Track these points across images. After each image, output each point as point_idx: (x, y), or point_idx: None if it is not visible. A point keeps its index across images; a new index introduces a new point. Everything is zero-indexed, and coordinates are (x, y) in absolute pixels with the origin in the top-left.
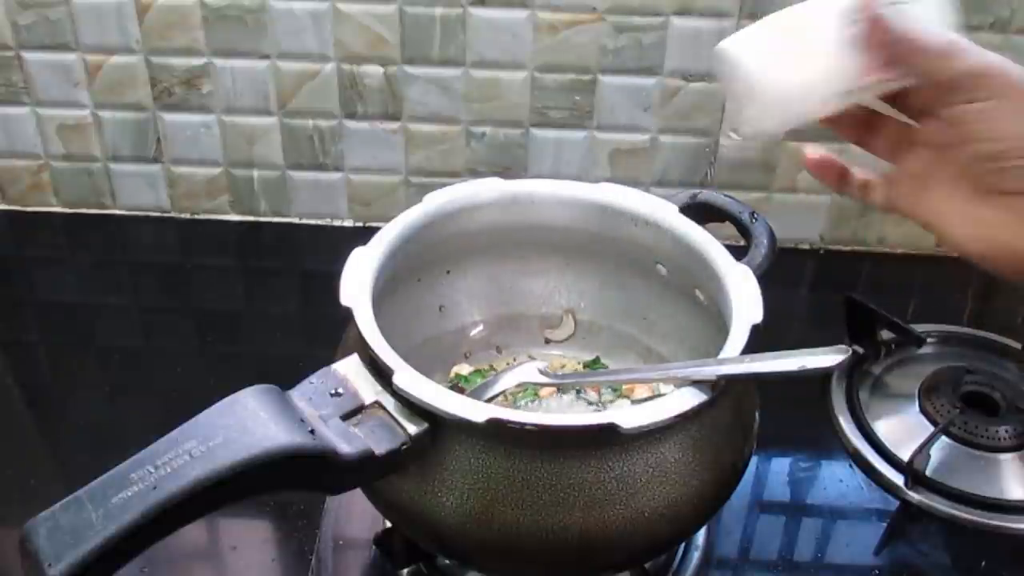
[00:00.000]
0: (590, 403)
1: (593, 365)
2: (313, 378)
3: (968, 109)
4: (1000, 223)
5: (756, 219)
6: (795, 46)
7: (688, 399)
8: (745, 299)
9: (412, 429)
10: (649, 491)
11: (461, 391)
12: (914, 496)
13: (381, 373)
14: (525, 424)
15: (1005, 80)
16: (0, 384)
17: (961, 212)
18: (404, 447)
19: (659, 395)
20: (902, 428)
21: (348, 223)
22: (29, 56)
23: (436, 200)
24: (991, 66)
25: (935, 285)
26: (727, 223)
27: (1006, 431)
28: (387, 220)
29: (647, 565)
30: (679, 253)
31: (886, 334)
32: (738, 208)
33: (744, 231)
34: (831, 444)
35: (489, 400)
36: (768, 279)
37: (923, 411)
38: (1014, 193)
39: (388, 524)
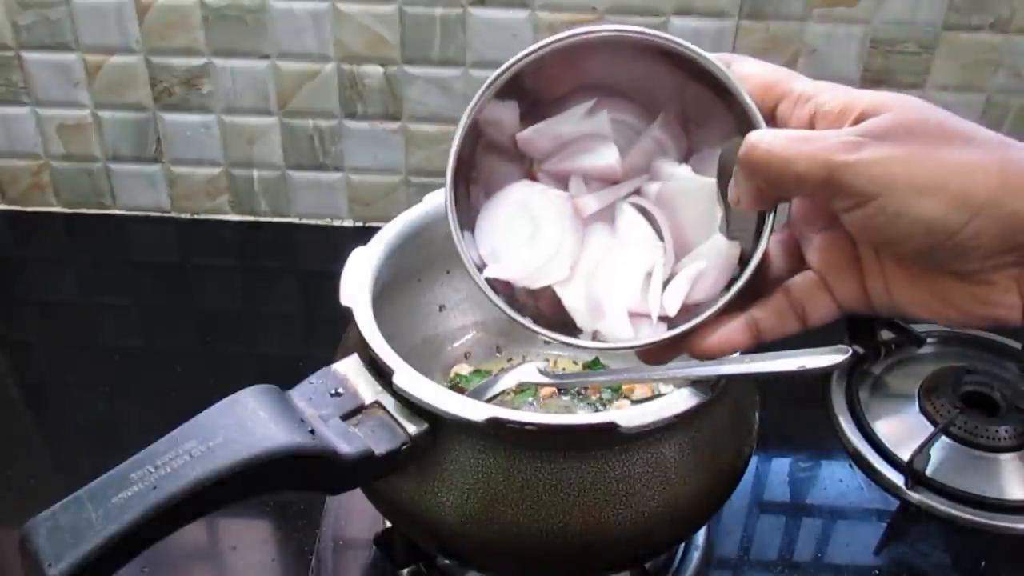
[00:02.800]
0: (590, 403)
1: (593, 365)
2: (313, 378)
3: (856, 217)
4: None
5: None
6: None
7: (688, 399)
8: None
9: (412, 429)
10: (649, 491)
11: (461, 391)
12: (914, 496)
13: (381, 373)
14: (525, 424)
15: (879, 170)
16: (0, 384)
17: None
18: (404, 447)
19: (659, 395)
20: (902, 428)
21: (348, 223)
22: (29, 56)
23: (436, 200)
24: (849, 163)
25: None
26: None
27: (1006, 431)
28: (387, 220)
29: (647, 565)
30: None
31: (886, 334)
32: None
33: None
34: (831, 444)
35: (489, 400)
36: None
37: (923, 411)
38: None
39: (388, 524)
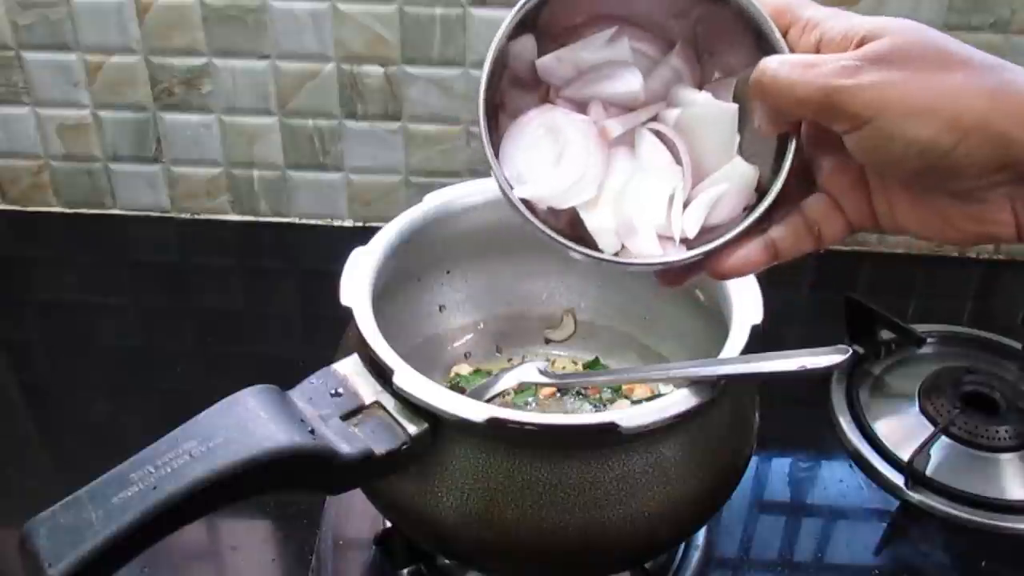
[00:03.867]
0: (590, 403)
1: (593, 365)
2: (313, 378)
3: (854, 140)
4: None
5: None
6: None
7: (688, 399)
8: (745, 299)
9: (412, 429)
10: (649, 491)
11: (461, 391)
12: (914, 496)
13: (381, 373)
14: (525, 424)
15: (873, 94)
16: (0, 384)
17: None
18: (404, 447)
19: (659, 395)
20: (902, 428)
21: (348, 223)
22: (29, 56)
23: (436, 200)
24: (844, 87)
25: (935, 285)
26: None
27: (1006, 431)
28: (387, 220)
29: (647, 565)
30: None
31: (886, 334)
32: None
33: None
34: (831, 444)
35: (489, 400)
36: (768, 279)
37: (923, 411)
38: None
39: (388, 524)
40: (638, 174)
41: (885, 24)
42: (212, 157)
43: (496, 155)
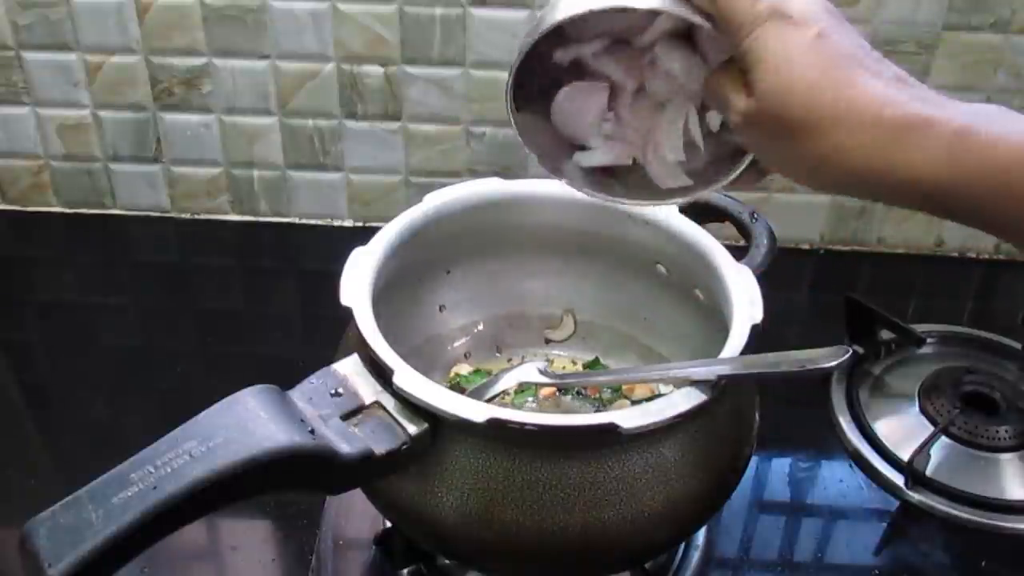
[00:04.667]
0: (590, 403)
1: (593, 365)
2: (313, 378)
3: None
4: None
5: (756, 219)
6: None
7: (688, 399)
8: (745, 299)
9: (412, 429)
10: (649, 491)
11: (461, 391)
12: (914, 496)
13: (381, 373)
14: (525, 424)
15: (751, 146)
16: (0, 384)
17: None
18: (404, 447)
19: (659, 395)
20: (902, 428)
21: (348, 223)
22: (29, 56)
23: (436, 200)
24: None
25: (935, 285)
26: (727, 223)
27: (1006, 431)
28: (387, 220)
29: (647, 565)
30: (679, 253)
31: (886, 334)
32: (738, 208)
33: (744, 231)
34: (831, 444)
35: (489, 400)
36: (768, 279)
37: (923, 411)
38: None
39: (388, 524)
40: (657, 112)
41: (756, 80)
42: (212, 157)
43: (523, 132)
